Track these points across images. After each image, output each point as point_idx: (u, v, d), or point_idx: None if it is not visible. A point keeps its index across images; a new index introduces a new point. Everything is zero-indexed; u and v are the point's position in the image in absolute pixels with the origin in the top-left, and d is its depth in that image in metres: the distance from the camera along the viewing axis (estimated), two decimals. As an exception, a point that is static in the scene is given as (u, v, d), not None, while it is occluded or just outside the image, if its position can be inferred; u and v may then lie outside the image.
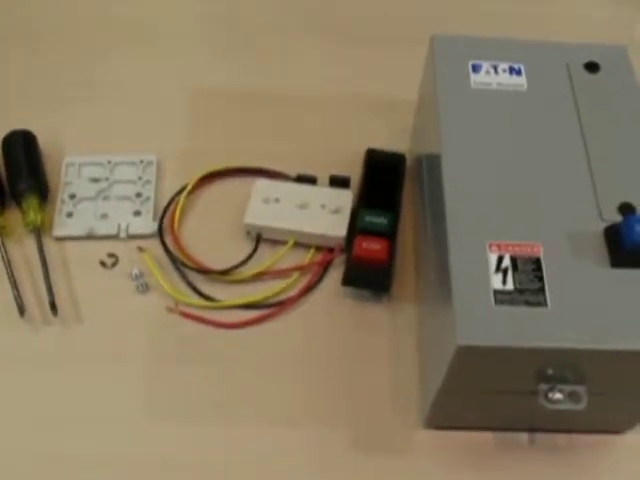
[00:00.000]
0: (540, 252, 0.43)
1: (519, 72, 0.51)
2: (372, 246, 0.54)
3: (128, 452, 0.48)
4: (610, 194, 0.46)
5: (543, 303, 0.41)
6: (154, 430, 0.49)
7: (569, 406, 0.43)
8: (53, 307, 0.53)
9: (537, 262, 0.43)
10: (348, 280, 0.54)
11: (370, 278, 0.54)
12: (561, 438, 0.49)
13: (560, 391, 0.43)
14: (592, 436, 0.49)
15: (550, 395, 0.43)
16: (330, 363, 0.52)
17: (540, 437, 0.50)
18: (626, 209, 0.45)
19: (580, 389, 0.43)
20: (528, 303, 0.41)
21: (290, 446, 0.49)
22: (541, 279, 0.42)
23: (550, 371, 0.42)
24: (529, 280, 0.42)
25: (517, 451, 0.49)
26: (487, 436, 0.49)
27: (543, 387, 0.43)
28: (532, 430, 0.50)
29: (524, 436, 0.50)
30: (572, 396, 0.43)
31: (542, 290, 0.42)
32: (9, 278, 0.54)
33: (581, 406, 0.43)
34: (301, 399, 0.50)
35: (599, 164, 0.47)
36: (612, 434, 0.50)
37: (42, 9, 0.72)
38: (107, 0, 0.73)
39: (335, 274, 0.56)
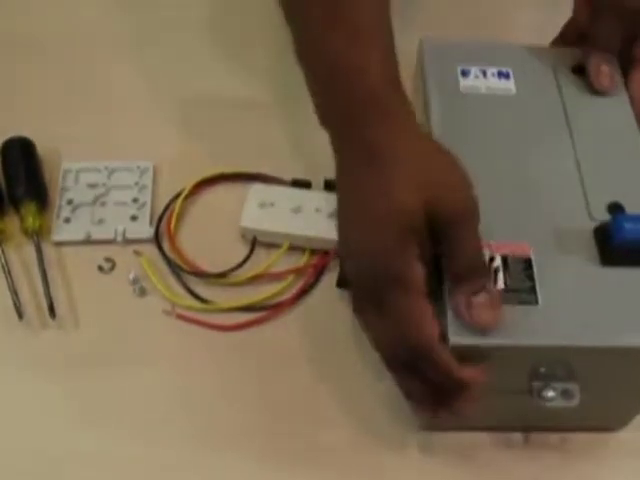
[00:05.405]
0: (531, 252, 0.44)
1: (507, 76, 0.52)
2: (366, 248, 0.55)
3: (128, 453, 0.48)
4: (599, 194, 0.46)
5: (534, 302, 0.42)
6: (152, 432, 0.49)
7: (562, 403, 0.43)
8: (51, 310, 0.53)
9: (528, 262, 0.43)
10: (343, 282, 0.54)
11: (365, 280, 0.54)
12: (555, 437, 0.50)
13: (553, 389, 0.43)
14: (586, 434, 0.50)
15: (543, 393, 0.43)
16: (326, 364, 0.52)
17: (534, 436, 0.50)
18: (615, 208, 0.46)
19: (573, 386, 0.43)
20: (519, 302, 0.42)
21: (287, 445, 0.49)
22: (532, 278, 0.43)
23: (542, 369, 0.43)
24: (520, 279, 0.43)
25: (512, 451, 0.49)
26: (482, 436, 0.50)
27: (536, 385, 0.43)
28: (526, 430, 0.50)
29: (519, 436, 0.50)
30: (565, 394, 0.43)
31: (533, 289, 0.42)
32: (7, 282, 0.54)
33: (574, 403, 0.43)
34: (298, 400, 0.51)
35: (587, 165, 0.48)
36: (605, 432, 0.50)
37: (41, 16, 0.73)
38: (105, 9, 0.74)
39: (330, 276, 0.56)
